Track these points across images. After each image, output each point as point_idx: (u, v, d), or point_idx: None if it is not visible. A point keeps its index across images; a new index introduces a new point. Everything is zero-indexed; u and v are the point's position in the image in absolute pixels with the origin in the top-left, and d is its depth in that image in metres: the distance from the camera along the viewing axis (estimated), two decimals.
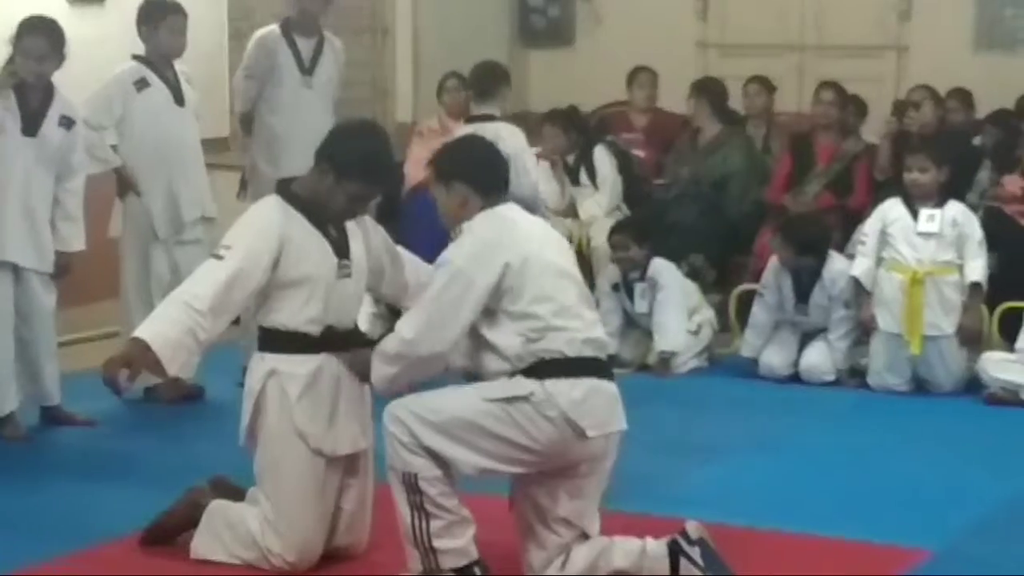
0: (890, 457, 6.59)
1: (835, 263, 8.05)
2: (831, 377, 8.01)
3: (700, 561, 4.67)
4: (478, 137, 5.29)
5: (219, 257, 4.89)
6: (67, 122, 6.77)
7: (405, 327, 4.72)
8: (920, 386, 7.86)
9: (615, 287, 8.45)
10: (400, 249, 5.39)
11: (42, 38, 6.62)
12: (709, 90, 9.71)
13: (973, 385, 7.75)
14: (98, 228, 7.34)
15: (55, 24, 6.72)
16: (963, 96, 9.60)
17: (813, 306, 8.07)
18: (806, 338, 8.16)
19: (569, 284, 4.77)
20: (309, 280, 4.94)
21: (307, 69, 7.95)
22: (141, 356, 4.75)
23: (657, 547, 4.73)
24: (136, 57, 7.39)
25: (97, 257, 7.21)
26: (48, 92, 6.72)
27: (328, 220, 5.02)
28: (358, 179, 4.95)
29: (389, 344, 4.77)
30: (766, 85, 10.01)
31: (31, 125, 6.66)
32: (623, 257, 8.36)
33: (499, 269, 4.63)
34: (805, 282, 8.07)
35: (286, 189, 5.08)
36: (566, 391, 4.63)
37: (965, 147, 9.14)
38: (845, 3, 10.77)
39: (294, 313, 4.95)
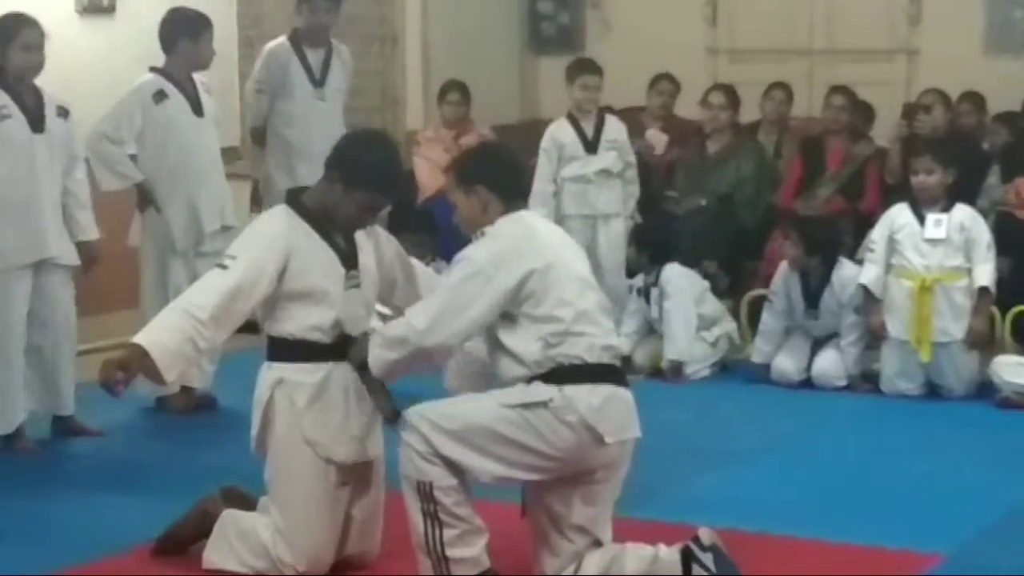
0: (902, 462, 6.58)
1: (844, 269, 8.03)
2: (843, 382, 7.99)
3: (713, 567, 4.66)
4: (499, 143, 5.29)
5: (223, 267, 4.87)
6: (64, 112, 6.78)
7: (415, 315, 4.71)
8: (932, 391, 7.84)
9: (638, 291, 8.47)
10: (415, 261, 5.39)
11: (36, 28, 6.62)
12: (736, 102, 9.66)
13: (985, 389, 7.73)
14: (117, 237, 7.34)
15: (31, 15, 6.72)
16: (975, 99, 9.58)
17: (823, 311, 8.06)
18: (818, 343, 8.15)
19: (588, 291, 4.77)
20: (316, 291, 4.93)
21: (318, 81, 7.96)
22: (138, 361, 4.72)
23: (669, 554, 4.72)
24: (153, 69, 7.33)
25: (116, 266, 7.22)
26: (36, 88, 6.70)
27: (337, 230, 5.01)
28: (366, 189, 4.94)
29: (394, 328, 4.76)
30: (788, 92, 9.99)
31: (36, 122, 6.66)
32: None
33: (521, 274, 4.62)
34: (814, 287, 8.06)
35: (295, 199, 5.08)
36: (585, 397, 4.62)
37: (973, 150, 9.12)
38: (855, 7, 10.76)
39: (301, 323, 4.94)
